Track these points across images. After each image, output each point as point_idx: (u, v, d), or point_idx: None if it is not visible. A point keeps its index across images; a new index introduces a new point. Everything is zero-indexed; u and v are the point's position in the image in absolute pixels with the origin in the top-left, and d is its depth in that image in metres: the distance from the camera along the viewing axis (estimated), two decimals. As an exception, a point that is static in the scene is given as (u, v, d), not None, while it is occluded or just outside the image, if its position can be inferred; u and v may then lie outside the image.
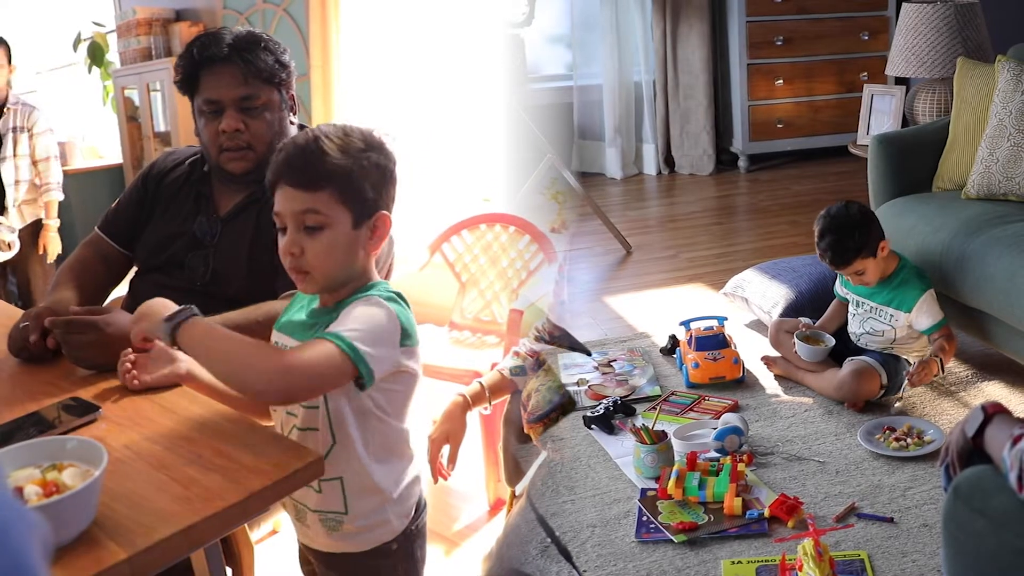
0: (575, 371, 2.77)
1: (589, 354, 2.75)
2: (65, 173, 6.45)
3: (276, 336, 1.46)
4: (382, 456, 1.40)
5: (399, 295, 1.38)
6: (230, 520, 1.16)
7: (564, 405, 2.44)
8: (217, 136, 1.92)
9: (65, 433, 1.33)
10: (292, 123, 2.03)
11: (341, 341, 1.25)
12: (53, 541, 1.04)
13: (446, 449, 1.90)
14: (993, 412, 1.29)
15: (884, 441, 2.25)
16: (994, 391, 2.55)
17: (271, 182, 1.37)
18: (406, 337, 1.34)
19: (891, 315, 2.50)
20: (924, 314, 2.46)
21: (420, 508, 1.49)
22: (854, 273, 2.49)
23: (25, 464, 1.13)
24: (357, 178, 1.34)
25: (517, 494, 2.21)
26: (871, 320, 2.55)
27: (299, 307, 1.47)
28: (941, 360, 2.43)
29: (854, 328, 2.60)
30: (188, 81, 1.94)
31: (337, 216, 1.34)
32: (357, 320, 1.29)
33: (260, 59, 1.90)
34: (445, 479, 1.90)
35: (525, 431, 2.15)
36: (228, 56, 1.89)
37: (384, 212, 1.39)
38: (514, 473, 2.22)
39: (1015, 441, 1.15)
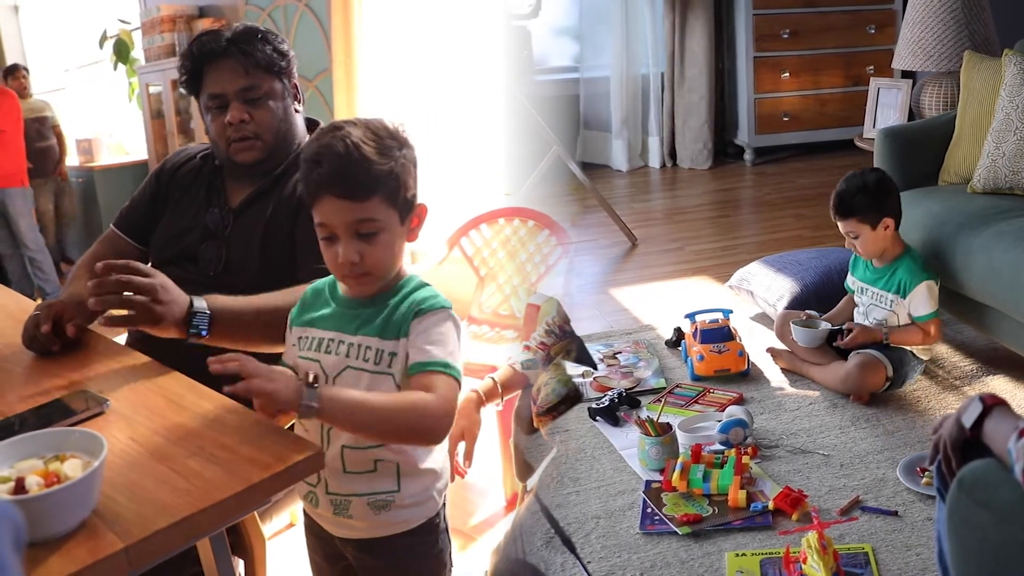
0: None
1: (595, 367, 2.74)
2: (91, 169, 6.60)
3: (305, 331, 1.47)
4: None
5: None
6: (228, 512, 1.17)
7: (570, 397, 2.45)
8: (224, 129, 1.94)
9: (73, 425, 1.35)
10: (297, 111, 2.05)
11: (453, 371, 1.35)
12: (51, 532, 1.06)
13: (462, 446, 1.91)
14: (992, 404, 1.28)
15: (923, 478, 2.08)
16: (999, 386, 2.55)
17: (311, 194, 1.38)
18: None
19: (891, 300, 2.53)
20: (919, 301, 2.49)
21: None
22: (848, 234, 2.55)
23: (29, 455, 1.15)
24: (400, 178, 1.38)
25: (528, 489, 2.22)
26: (874, 308, 2.57)
27: (319, 301, 1.49)
28: (894, 338, 2.49)
29: (859, 320, 2.61)
30: (192, 80, 1.97)
31: (389, 219, 1.38)
32: (447, 342, 1.37)
33: (258, 50, 1.93)
34: (463, 476, 1.89)
35: (535, 424, 2.15)
36: (227, 50, 1.92)
37: (422, 203, 1.45)
38: (525, 468, 2.23)
39: (1022, 433, 1.15)
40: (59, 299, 1.82)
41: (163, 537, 1.08)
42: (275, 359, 1.77)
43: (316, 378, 1.26)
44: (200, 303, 1.61)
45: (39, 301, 1.83)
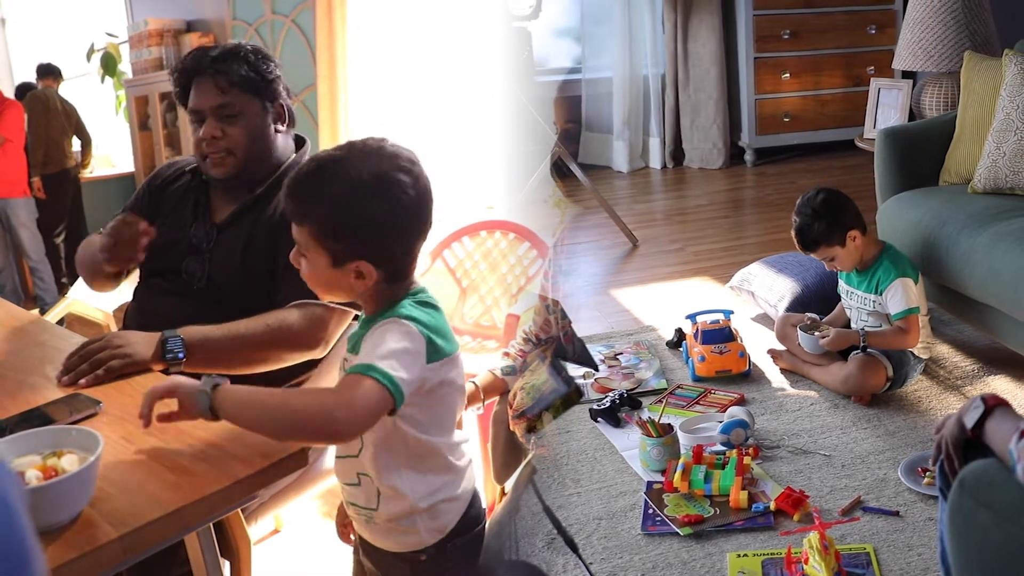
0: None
1: (596, 368, 2.74)
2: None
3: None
4: (414, 464, 1.38)
5: (428, 303, 1.43)
6: (216, 505, 1.24)
7: (553, 406, 2.45)
8: (200, 143, 2.01)
9: (68, 425, 1.38)
10: (279, 131, 2.07)
11: (379, 374, 1.24)
12: (50, 522, 1.12)
13: None
14: (994, 404, 1.28)
15: (925, 478, 2.08)
16: (1000, 385, 2.55)
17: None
18: (434, 352, 1.34)
19: (874, 301, 2.54)
20: (893, 298, 2.48)
21: (463, 530, 1.44)
22: (824, 259, 2.57)
23: (28, 452, 1.21)
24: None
25: (507, 491, 2.23)
26: (861, 310, 2.58)
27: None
28: (872, 341, 2.48)
29: (853, 322, 2.62)
30: (183, 93, 2.06)
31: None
32: (386, 346, 1.28)
33: (233, 70, 1.98)
34: None
35: (510, 428, 2.17)
36: (206, 69, 2.00)
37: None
38: (503, 471, 2.25)
39: (1023, 434, 1.16)
40: (107, 233, 1.92)
41: (155, 528, 1.15)
42: (257, 380, 1.81)
43: (208, 380, 1.26)
44: (171, 332, 1.72)
45: (35, 312, 1.88)
